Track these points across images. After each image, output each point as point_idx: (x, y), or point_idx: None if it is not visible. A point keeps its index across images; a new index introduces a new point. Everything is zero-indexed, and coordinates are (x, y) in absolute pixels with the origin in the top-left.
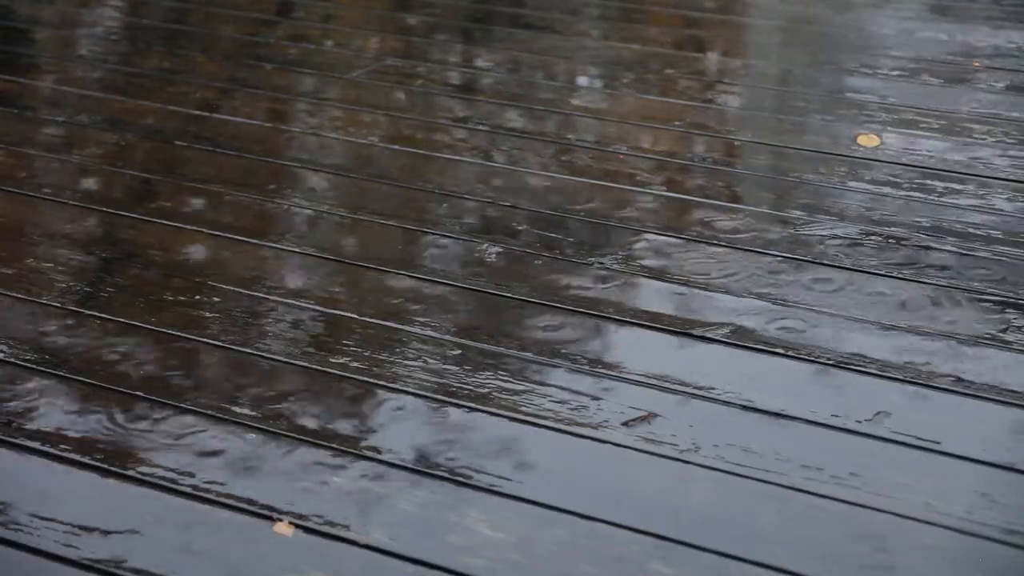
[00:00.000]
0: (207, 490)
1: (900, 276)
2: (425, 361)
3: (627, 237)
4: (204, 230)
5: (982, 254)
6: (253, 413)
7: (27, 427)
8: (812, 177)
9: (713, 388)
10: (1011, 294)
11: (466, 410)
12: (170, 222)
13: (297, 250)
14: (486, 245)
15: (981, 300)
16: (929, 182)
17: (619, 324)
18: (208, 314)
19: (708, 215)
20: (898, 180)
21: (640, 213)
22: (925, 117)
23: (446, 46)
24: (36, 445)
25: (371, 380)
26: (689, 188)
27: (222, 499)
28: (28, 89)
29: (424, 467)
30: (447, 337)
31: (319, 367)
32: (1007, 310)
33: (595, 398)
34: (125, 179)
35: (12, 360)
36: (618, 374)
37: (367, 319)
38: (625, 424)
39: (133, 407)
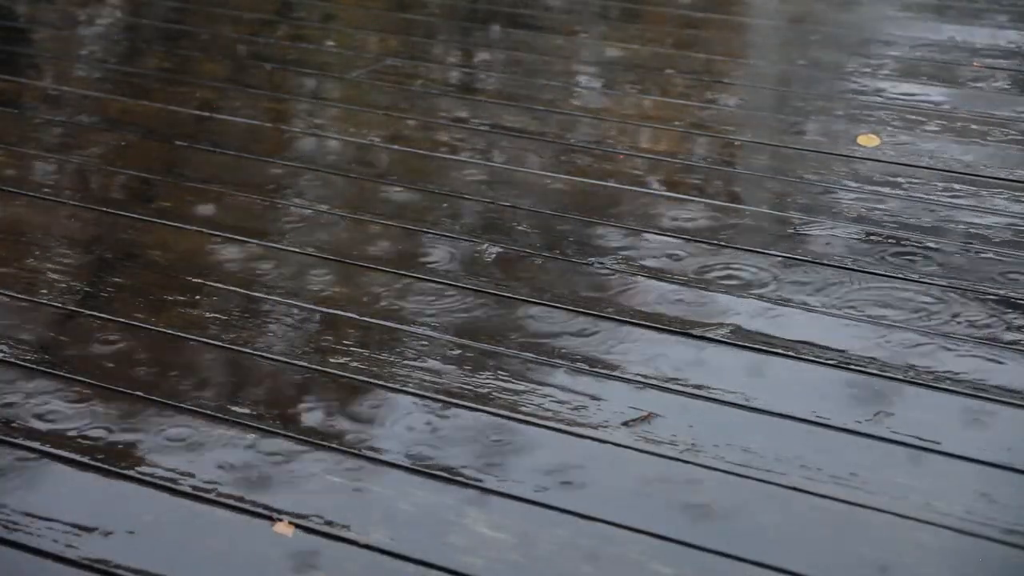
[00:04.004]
0: (207, 490)
1: (900, 276)
2: (425, 361)
3: (627, 237)
4: (204, 230)
5: (982, 254)
6: (253, 413)
7: (27, 427)
8: (812, 177)
9: (713, 388)
10: (1011, 294)
11: (466, 410)
12: (170, 222)
13: (297, 250)
14: (486, 245)
15: (981, 300)
16: (929, 182)
17: (619, 324)
18: (208, 314)
19: (708, 215)
20: (898, 180)
21: (640, 213)
22: (925, 117)
23: (446, 46)
24: (36, 445)
25: (371, 380)
26: (689, 188)
27: (222, 499)
28: (28, 89)
29: (424, 467)
30: (447, 337)
31: (319, 367)
32: (1007, 310)
33: (595, 398)
34: (125, 179)
35: (12, 360)
36: (618, 374)
37: (367, 319)
38: (625, 424)
39: (133, 407)
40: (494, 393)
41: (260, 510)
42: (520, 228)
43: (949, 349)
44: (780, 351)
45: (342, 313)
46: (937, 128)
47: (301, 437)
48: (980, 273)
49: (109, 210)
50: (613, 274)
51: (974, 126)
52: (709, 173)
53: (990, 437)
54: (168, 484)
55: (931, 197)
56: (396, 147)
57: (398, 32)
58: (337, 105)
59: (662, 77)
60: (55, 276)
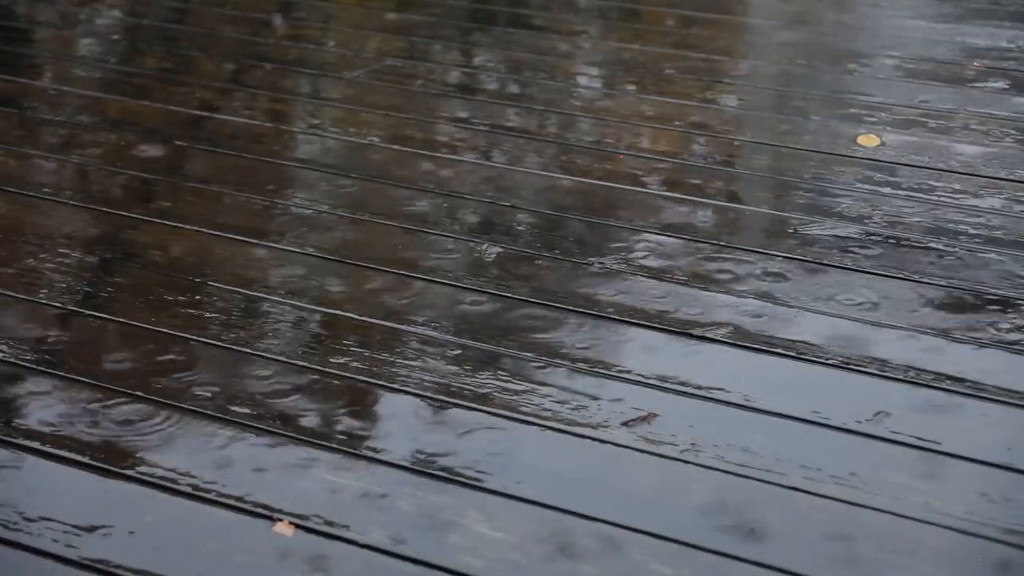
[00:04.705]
0: (207, 490)
1: (900, 276)
2: (425, 361)
3: (627, 237)
4: (204, 230)
5: (982, 254)
6: (253, 413)
7: (27, 427)
8: (812, 177)
9: (713, 388)
10: (1011, 294)
11: (466, 410)
12: (170, 222)
13: (297, 250)
14: (486, 245)
15: (981, 300)
16: (929, 182)
17: (619, 324)
18: (208, 314)
19: (708, 215)
20: (898, 180)
21: (640, 213)
22: (925, 117)
23: (446, 46)
24: (36, 445)
25: (371, 380)
26: (689, 188)
27: (222, 499)
28: (28, 89)
29: (424, 467)
30: (447, 337)
31: (319, 367)
32: (1007, 310)
33: (595, 398)
34: (125, 179)
35: (12, 360)
36: (618, 374)
37: (367, 319)
38: (625, 424)
39: (133, 407)
40: (494, 393)
41: (260, 510)
42: (520, 228)
43: (950, 349)
44: (780, 351)
45: (342, 313)
46: (937, 128)
47: (301, 437)
48: (981, 273)
49: (109, 210)
50: (613, 274)
51: (974, 126)
52: (709, 173)
53: (990, 437)
54: (168, 484)
55: (931, 197)
56: (396, 147)
57: (398, 32)
58: (337, 105)
59: (662, 77)
60: (55, 276)
